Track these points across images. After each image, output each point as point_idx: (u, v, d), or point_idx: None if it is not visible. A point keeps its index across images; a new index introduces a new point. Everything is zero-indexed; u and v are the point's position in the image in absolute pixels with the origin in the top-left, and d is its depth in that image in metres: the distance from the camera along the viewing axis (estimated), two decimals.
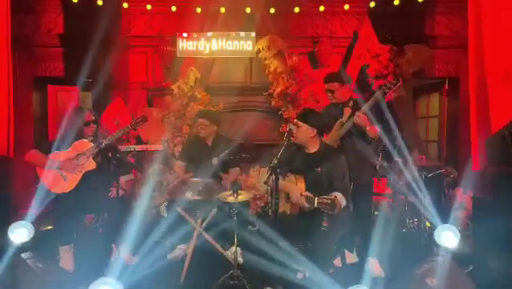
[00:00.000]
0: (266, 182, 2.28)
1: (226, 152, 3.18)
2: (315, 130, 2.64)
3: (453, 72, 5.35)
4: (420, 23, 5.24)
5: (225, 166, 3.46)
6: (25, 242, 2.80)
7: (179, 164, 3.61)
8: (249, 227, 4.10)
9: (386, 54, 4.95)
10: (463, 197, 4.23)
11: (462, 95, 5.14)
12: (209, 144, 3.57)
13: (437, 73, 5.37)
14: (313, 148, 2.67)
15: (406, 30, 5.14)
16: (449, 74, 5.37)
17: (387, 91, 3.01)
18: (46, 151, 3.14)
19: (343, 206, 2.36)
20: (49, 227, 3.87)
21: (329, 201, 2.12)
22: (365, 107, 2.94)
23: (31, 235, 2.69)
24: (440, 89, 5.73)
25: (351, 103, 3.11)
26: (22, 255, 2.32)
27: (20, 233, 2.54)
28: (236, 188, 2.68)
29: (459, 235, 2.31)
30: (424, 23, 5.25)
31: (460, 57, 5.06)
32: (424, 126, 6.07)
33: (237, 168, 3.58)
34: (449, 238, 2.28)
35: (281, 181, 2.38)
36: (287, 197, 2.56)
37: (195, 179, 3.38)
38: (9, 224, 2.67)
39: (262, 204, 4.49)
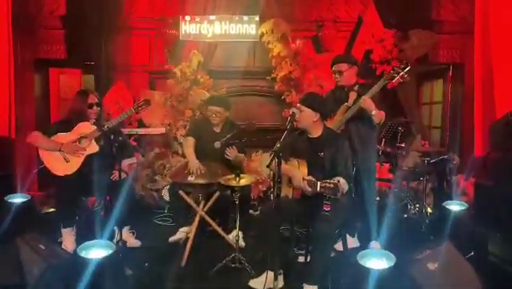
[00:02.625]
0: (268, 166, 2.27)
1: (229, 136, 3.16)
2: (319, 115, 2.62)
3: (458, 58, 5.27)
4: (425, 8, 5.15)
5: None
6: (28, 224, 2.87)
7: (190, 140, 3.47)
8: (251, 211, 4.13)
9: (390, 39, 4.88)
10: (464, 183, 4.24)
11: (467, 82, 5.08)
12: (218, 130, 3.49)
13: (442, 59, 5.30)
14: (316, 133, 2.66)
15: (411, 14, 5.06)
16: (454, 60, 5.30)
17: (395, 75, 2.98)
18: (49, 133, 3.14)
19: (345, 191, 2.36)
20: (51, 209, 3.89)
21: (332, 186, 2.12)
22: (372, 91, 2.91)
23: (27, 198, 2.78)
24: (445, 75, 5.67)
25: (356, 87, 3.08)
26: (25, 237, 2.33)
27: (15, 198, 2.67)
28: (238, 172, 2.68)
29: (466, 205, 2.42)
30: (429, 8, 5.16)
31: (465, 43, 4.99)
32: (427, 112, 6.04)
33: (242, 155, 3.56)
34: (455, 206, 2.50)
35: (283, 165, 2.37)
36: (289, 181, 2.56)
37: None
38: None
39: (264, 188, 4.51)
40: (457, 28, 5.12)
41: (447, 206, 2.62)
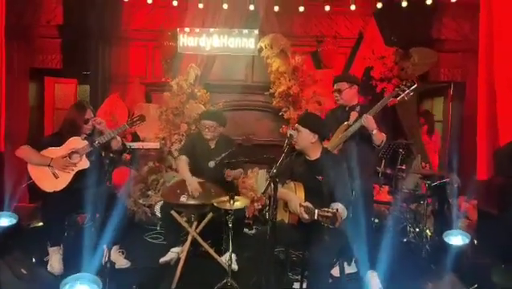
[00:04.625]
0: (264, 193, 2.18)
1: (224, 155, 3.07)
2: (317, 136, 2.53)
3: (459, 77, 5.24)
4: (426, 26, 5.12)
5: (225, 168, 3.34)
6: (12, 240, 2.74)
7: (183, 159, 3.39)
8: (246, 230, 4.01)
9: (391, 56, 4.84)
10: (465, 205, 4.14)
11: (468, 101, 5.03)
12: (212, 146, 3.42)
13: (443, 77, 5.26)
14: (314, 155, 2.56)
15: (412, 32, 5.02)
16: (455, 78, 5.26)
17: (400, 92, 2.90)
18: (40, 147, 3.05)
19: (343, 218, 2.25)
20: (39, 224, 3.76)
21: (330, 215, 2.02)
22: (375, 109, 2.83)
23: (13, 222, 2.65)
24: (445, 93, 5.62)
25: (358, 108, 3.00)
26: (6, 258, 2.21)
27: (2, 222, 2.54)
28: (232, 193, 2.57)
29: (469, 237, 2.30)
30: (431, 26, 5.13)
31: (466, 61, 4.96)
32: None
33: (240, 169, 3.47)
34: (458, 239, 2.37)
35: (280, 189, 2.27)
36: (286, 205, 2.45)
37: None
38: None
39: (260, 206, 4.40)
40: (459, 46, 5.09)
41: (447, 239, 2.46)
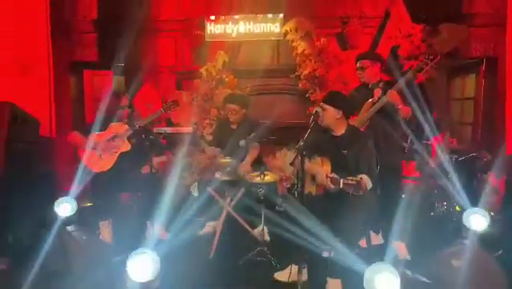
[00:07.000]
0: (292, 164, 2.33)
1: (254, 134, 3.25)
2: (341, 112, 2.65)
3: (491, 52, 5.07)
4: (456, 0, 4.99)
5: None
6: (70, 217, 3.05)
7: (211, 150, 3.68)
8: (276, 207, 4.18)
9: (419, 34, 4.76)
10: (496, 181, 4.10)
11: (500, 77, 4.89)
12: (235, 127, 3.64)
13: (474, 53, 5.11)
14: (339, 131, 2.69)
15: (441, 7, 4.91)
16: (487, 54, 5.11)
17: (423, 66, 2.94)
18: (85, 132, 3.34)
19: (368, 188, 2.38)
20: (89, 204, 4.10)
21: (354, 182, 2.15)
22: (398, 85, 2.89)
23: (74, 210, 2.93)
24: (477, 70, 5.48)
25: (381, 84, 3.07)
26: (68, 228, 2.51)
27: (64, 207, 2.78)
28: (262, 169, 2.75)
29: (488, 218, 2.31)
30: (460, 0, 5.00)
31: (499, 36, 4.80)
32: (458, 108, 5.86)
33: (256, 144, 3.60)
34: (477, 220, 2.26)
35: (307, 164, 2.42)
36: (313, 178, 2.61)
37: (224, 160, 3.48)
38: (54, 200, 2.92)
39: (289, 185, 4.54)
40: (491, 20, 4.91)
41: (466, 222, 2.33)
